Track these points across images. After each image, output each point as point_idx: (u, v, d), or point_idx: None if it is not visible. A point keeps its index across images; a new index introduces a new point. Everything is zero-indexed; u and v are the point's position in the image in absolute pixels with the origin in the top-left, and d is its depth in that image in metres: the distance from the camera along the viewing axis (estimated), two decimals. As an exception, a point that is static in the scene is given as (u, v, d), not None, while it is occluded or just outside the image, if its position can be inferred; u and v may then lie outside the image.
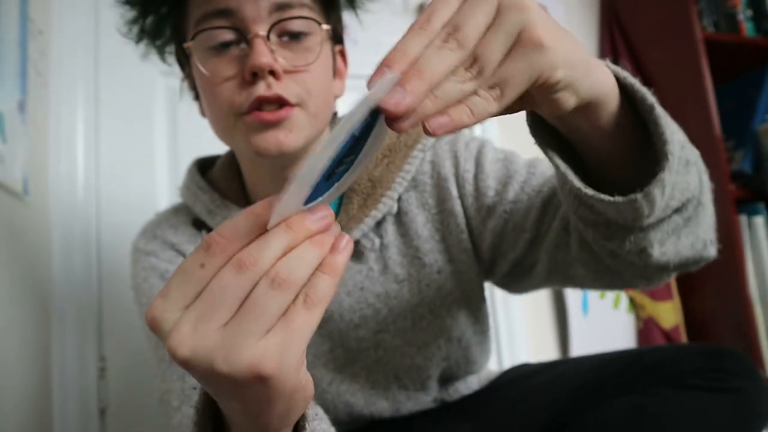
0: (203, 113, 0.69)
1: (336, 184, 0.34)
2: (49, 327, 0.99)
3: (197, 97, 0.70)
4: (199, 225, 0.70)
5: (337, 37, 0.71)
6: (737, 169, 1.56)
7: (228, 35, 0.61)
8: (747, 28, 1.63)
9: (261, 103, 0.60)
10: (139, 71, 1.12)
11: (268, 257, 0.30)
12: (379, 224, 0.68)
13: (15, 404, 0.82)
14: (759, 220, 1.52)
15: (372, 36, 0.99)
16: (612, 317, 1.59)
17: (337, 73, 0.71)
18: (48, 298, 1.00)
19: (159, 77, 1.19)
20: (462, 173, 0.68)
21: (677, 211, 0.45)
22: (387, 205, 0.66)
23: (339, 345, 0.70)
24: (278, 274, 0.30)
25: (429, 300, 0.69)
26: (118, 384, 1.05)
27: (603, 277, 0.56)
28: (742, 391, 0.59)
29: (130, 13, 0.69)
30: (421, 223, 0.68)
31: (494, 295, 1.48)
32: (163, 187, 1.16)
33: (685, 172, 0.43)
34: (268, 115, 0.60)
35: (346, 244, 0.32)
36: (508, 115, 0.37)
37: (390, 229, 0.68)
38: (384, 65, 0.30)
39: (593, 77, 0.36)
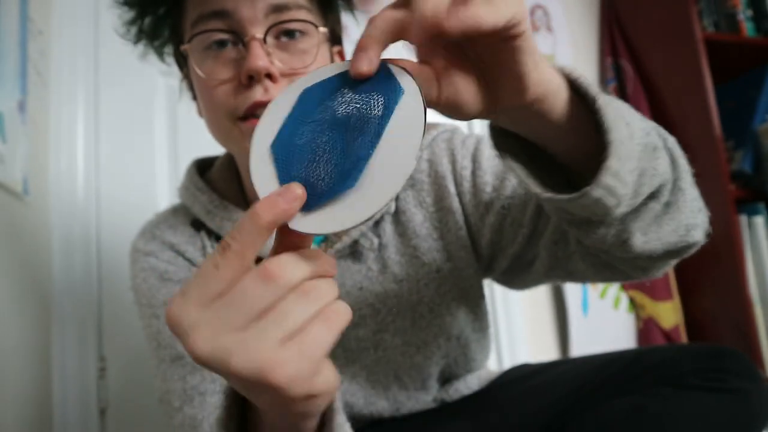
0: (201, 113, 0.69)
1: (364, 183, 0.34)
2: (49, 327, 0.99)
3: (195, 97, 0.71)
4: (198, 225, 0.70)
5: (335, 38, 0.70)
6: (737, 169, 1.56)
7: (224, 35, 0.61)
8: (747, 28, 1.63)
9: (257, 108, 0.59)
10: (139, 71, 1.12)
11: (297, 276, 0.32)
12: (377, 224, 0.68)
13: (15, 404, 0.82)
14: (759, 220, 1.52)
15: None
16: (612, 317, 1.59)
17: None
18: (48, 298, 1.00)
19: (159, 77, 1.19)
20: (459, 170, 0.68)
21: (652, 197, 0.45)
22: None
23: (338, 345, 0.70)
24: (306, 289, 0.32)
25: (428, 299, 0.69)
26: (118, 384, 1.05)
27: (602, 271, 0.56)
28: (742, 391, 0.59)
29: (128, 14, 0.69)
30: (419, 221, 0.68)
31: (494, 295, 1.48)
32: (163, 187, 1.17)
33: (653, 158, 0.43)
34: None
35: None
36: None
37: (388, 229, 0.68)
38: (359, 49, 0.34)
39: (543, 65, 0.37)
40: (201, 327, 0.31)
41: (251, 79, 0.59)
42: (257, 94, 0.59)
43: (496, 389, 0.77)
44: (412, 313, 0.69)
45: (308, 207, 0.33)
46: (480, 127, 1.50)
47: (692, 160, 0.51)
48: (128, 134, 1.15)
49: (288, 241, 0.34)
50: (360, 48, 0.35)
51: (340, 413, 0.43)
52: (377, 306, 0.68)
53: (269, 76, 0.59)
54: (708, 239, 0.54)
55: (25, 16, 0.92)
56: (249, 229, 0.32)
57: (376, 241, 0.68)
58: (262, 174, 0.35)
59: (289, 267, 0.32)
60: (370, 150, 0.34)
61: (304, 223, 0.33)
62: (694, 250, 0.53)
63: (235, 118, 0.61)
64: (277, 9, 0.60)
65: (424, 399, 0.74)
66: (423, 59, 0.38)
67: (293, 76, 0.61)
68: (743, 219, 1.52)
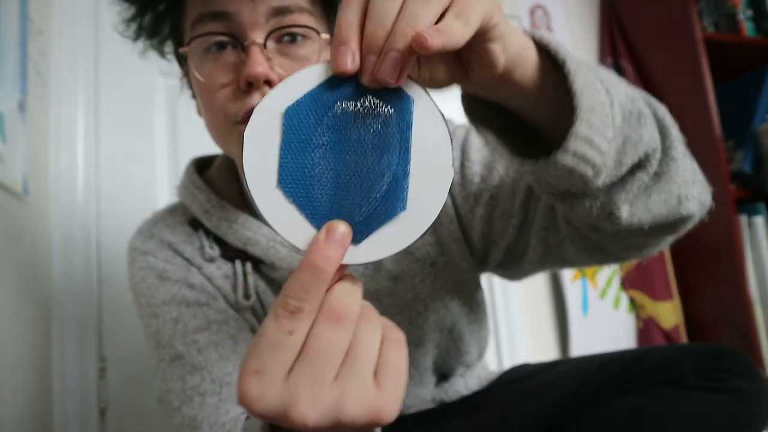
0: (200, 113, 0.69)
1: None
2: (49, 327, 0.99)
3: (195, 96, 0.70)
4: (196, 225, 0.70)
5: None
6: (737, 169, 1.56)
7: (224, 38, 0.60)
8: (747, 28, 1.63)
9: None
10: (139, 71, 1.12)
11: (356, 304, 0.31)
12: None
13: (15, 404, 0.82)
14: (759, 220, 1.52)
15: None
16: (612, 317, 1.59)
17: None
18: (48, 298, 1.00)
19: (159, 77, 1.19)
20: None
21: (640, 167, 0.44)
22: None
23: None
24: (368, 316, 0.32)
25: (425, 295, 0.69)
26: (118, 384, 1.05)
27: (595, 254, 0.55)
28: (742, 391, 0.59)
29: (128, 11, 0.68)
30: None
31: (495, 295, 1.48)
32: (163, 186, 1.17)
33: (637, 126, 0.42)
34: None
35: None
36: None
37: None
38: (338, 45, 0.32)
39: (513, 39, 0.37)
40: (298, 398, 0.30)
41: (250, 85, 0.58)
42: (255, 99, 0.58)
43: (496, 389, 0.77)
44: (408, 311, 0.69)
45: (355, 237, 0.32)
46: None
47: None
48: (128, 134, 1.15)
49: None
50: (340, 41, 0.32)
51: None
52: (373, 305, 0.68)
53: (268, 82, 0.58)
54: (708, 216, 0.52)
55: (25, 16, 0.92)
56: (316, 286, 0.30)
57: None
58: (283, 218, 0.32)
59: (348, 300, 0.31)
60: (406, 167, 0.33)
61: (355, 255, 0.33)
62: (690, 225, 0.51)
63: (234, 123, 0.61)
64: (279, 12, 0.59)
65: (422, 394, 0.74)
66: None
67: None
68: (743, 219, 1.52)
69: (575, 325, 1.53)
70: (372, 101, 0.33)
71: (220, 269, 0.68)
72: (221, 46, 0.60)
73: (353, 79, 0.32)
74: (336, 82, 0.33)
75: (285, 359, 0.30)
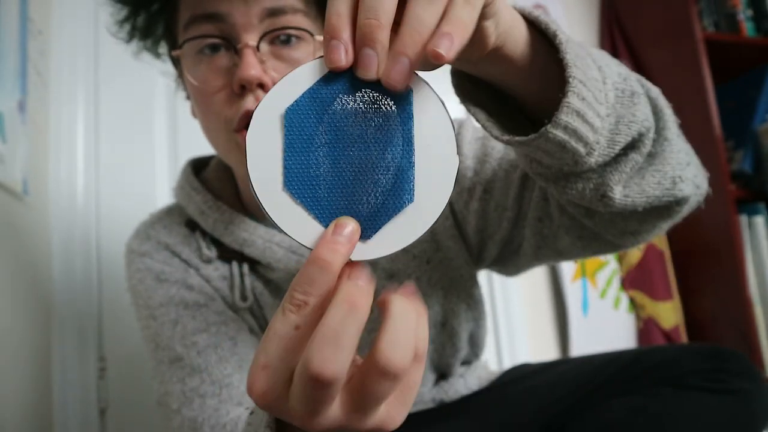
0: (194, 114, 0.69)
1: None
2: (49, 326, 0.99)
3: (189, 97, 0.70)
4: (193, 226, 0.70)
5: None
6: (737, 169, 1.56)
7: (217, 40, 0.59)
8: (747, 28, 1.63)
9: (249, 117, 0.58)
10: (139, 71, 1.12)
11: (368, 305, 0.30)
12: None
13: (15, 404, 0.81)
14: (759, 220, 1.52)
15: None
16: (612, 317, 1.59)
17: None
18: (48, 298, 1.00)
19: (159, 77, 1.19)
20: None
21: (633, 148, 0.44)
22: None
23: None
24: (419, 349, 0.31)
25: (421, 293, 0.69)
26: (118, 384, 1.05)
27: (590, 243, 0.55)
28: (742, 391, 0.59)
29: (121, 12, 0.68)
30: None
31: (495, 295, 1.48)
32: (163, 187, 1.17)
33: (630, 104, 0.42)
34: None
35: None
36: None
37: None
38: (329, 39, 0.31)
39: (505, 7, 0.36)
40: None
41: (243, 88, 0.57)
42: (249, 103, 0.57)
43: (496, 389, 0.77)
44: None
45: (364, 233, 0.32)
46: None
47: (692, 161, 0.51)
48: (128, 134, 1.15)
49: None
50: (331, 34, 0.31)
51: None
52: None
53: (261, 85, 0.57)
54: (704, 202, 0.52)
55: (25, 16, 0.92)
56: (323, 281, 0.30)
57: None
58: (292, 220, 0.32)
59: (365, 299, 0.30)
60: (410, 158, 0.32)
61: (365, 251, 0.32)
62: (685, 209, 0.51)
63: (230, 130, 0.60)
64: (273, 13, 0.58)
65: (420, 393, 0.74)
66: None
67: None
68: (743, 219, 1.52)
69: (575, 325, 1.53)
70: (371, 95, 0.32)
71: (218, 270, 0.67)
72: (214, 48, 0.60)
73: (349, 71, 0.32)
74: (332, 77, 0.32)
75: (291, 354, 0.30)
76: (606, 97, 0.40)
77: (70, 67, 1.09)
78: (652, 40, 1.66)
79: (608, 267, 1.63)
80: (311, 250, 0.31)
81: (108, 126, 1.13)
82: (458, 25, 0.31)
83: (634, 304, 1.62)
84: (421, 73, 0.34)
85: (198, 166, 0.76)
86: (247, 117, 0.58)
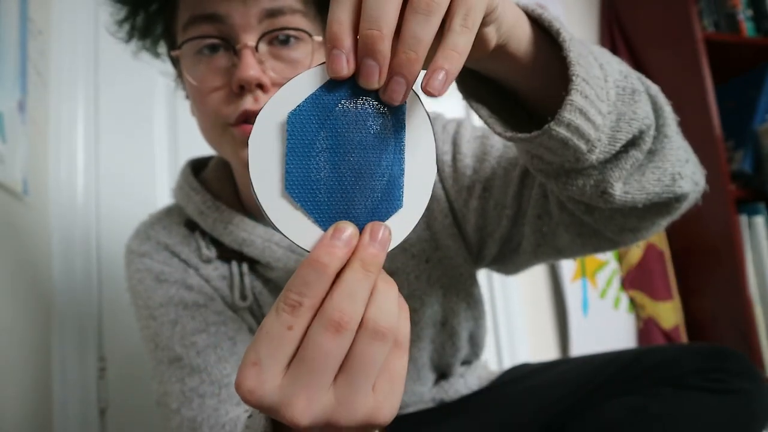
0: (194, 113, 0.69)
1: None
2: (49, 326, 0.99)
3: (189, 97, 0.70)
4: (192, 226, 0.70)
5: None
6: (737, 169, 1.56)
7: (216, 41, 0.60)
8: (747, 28, 1.63)
9: (248, 117, 0.58)
10: (139, 71, 1.12)
11: (359, 310, 0.31)
12: None
13: (15, 404, 0.81)
14: (759, 220, 1.52)
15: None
16: (612, 317, 1.59)
17: None
18: (48, 298, 1.00)
19: (159, 77, 1.19)
20: (440, 156, 0.68)
21: (634, 145, 0.44)
22: None
23: None
24: (380, 326, 0.31)
25: (420, 291, 0.69)
26: (118, 384, 1.05)
27: (589, 240, 0.55)
28: (742, 391, 0.59)
29: (121, 12, 0.68)
30: None
31: (495, 295, 1.48)
32: (163, 187, 1.17)
33: (631, 101, 0.42)
34: None
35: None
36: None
37: None
38: (331, 48, 0.31)
39: (508, 7, 0.37)
40: (292, 398, 0.30)
41: (242, 88, 0.58)
42: (247, 103, 0.58)
43: (496, 389, 0.77)
44: None
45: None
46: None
47: (692, 160, 0.51)
48: (128, 134, 1.15)
49: None
50: (333, 43, 0.31)
51: None
52: None
53: (260, 85, 0.58)
54: (701, 200, 0.52)
55: (25, 16, 0.92)
56: (318, 282, 0.30)
57: None
58: (292, 223, 0.33)
59: (350, 305, 0.30)
60: (402, 166, 0.34)
61: None
62: (683, 206, 0.51)
63: (227, 125, 0.60)
64: (271, 14, 0.58)
65: (420, 392, 0.74)
66: None
67: None
68: (743, 219, 1.52)
69: (575, 325, 1.53)
70: (370, 102, 0.33)
71: (217, 270, 0.68)
72: (213, 48, 0.60)
73: (351, 79, 0.32)
74: (333, 83, 0.33)
75: (282, 354, 0.31)
76: (608, 95, 0.40)
77: (70, 67, 1.09)
78: (652, 40, 1.66)
79: (608, 267, 1.63)
80: (309, 252, 0.32)
81: (108, 126, 1.13)
82: (452, 57, 0.31)
83: (634, 304, 1.62)
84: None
85: (197, 167, 0.76)
86: (246, 115, 0.58)
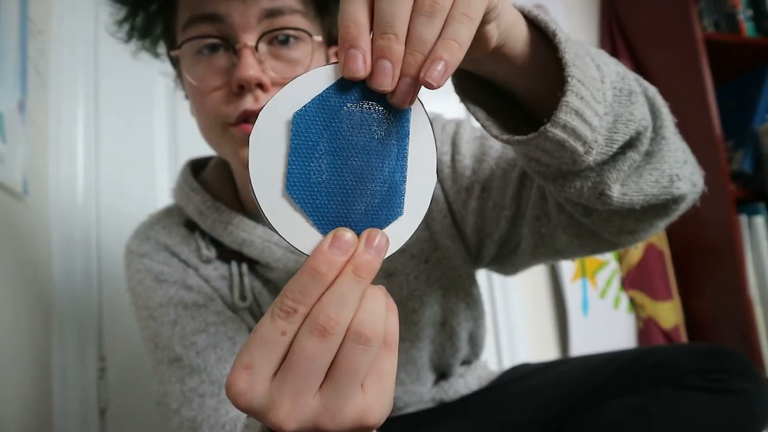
0: (193, 113, 0.69)
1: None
2: (49, 327, 0.99)
3: (188, 97, 0.70)
4: (192, 226, 0.70)
5: (332, 40, 0.70)
6: (737, 169, 1.56)
7: (215, 41, 0.60)
8: (747, 28, 1.63)
9: (248, 116, 0.59)
10: (139, 71, 1.12)
11: (347, 316, 0.31)
12: None
13: (15, 404, 0.82)
14: (759, 220, 1.52)
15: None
16: (612, 317, 1.59)
17: None
18: (48, 298, 1.00)
19: (159, 77, 1.19)
20: (439, 157, 0.68)
21: (631, 146, 0.44)
22: None
23: None
24: (364, 332, 0.31)
25: (420, 291, 0.69)
26: (118, 384, 1.05)
27: (587, 241, 0.55)
28: (742, 391, 0.59)
29: (120, 12, 0.68)
30: None
31: (495, 295, 1.48)
32: (163, 187, 1.17)
33: (628, 103, 0.42)
34: None
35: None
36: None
37: None
38: (348, 47, 0.31)
39: (507, 7, 0.37)
40: (279, 403, 0.30)
41: (242, 88, 0.58)
42: (247, 102, 0.58)
43: (496, 389, 0.77)
44: (403, 308, 0.69)
45: None
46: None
47: (692, 161, 0.51)
48: (128, 134, 1.15)
49: None
50: (349, 44, 0.31)
51: None
52: None
53: (260, 85, 0.58)
54: (700, 201, 0.52)
55: (25, 16, 0.92)
56: (315, 290, 0.30)
57: None
58: (291, 225, 0.32)
59: (337, 311, 0.30)
60: (404, 173, 0.33)
61: None
62: (681, 207, 0.51)
63: (226, 125, 0.61)
64: (271, 14, 0.58)
65: (420, 392, 0.74)
66: None
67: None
68: (743, 219, 1.52)
69: (575, 325, 1.53)
70: (376, 107, 0.32)
71: (217, 270, 0.68)
72: (213, 48, 0.60)
73: (360, 82, 0.32)
74: (342, 85, 0.32)
75: (274, 359, 0.31)
76: (604, 96, 0.40)
77: (70, 67, 1.10)
78: (652, 40, 1.66)
79: (608, 267, 1.63)
80: (307, 255, 0.32)
81: (108, 126, 1.13)
82: (452, 47, 0.31)
83: (634, 304, 1.62)
84: None
85: (197, 167, 0.76)
86: (246, 115, 0.58)
